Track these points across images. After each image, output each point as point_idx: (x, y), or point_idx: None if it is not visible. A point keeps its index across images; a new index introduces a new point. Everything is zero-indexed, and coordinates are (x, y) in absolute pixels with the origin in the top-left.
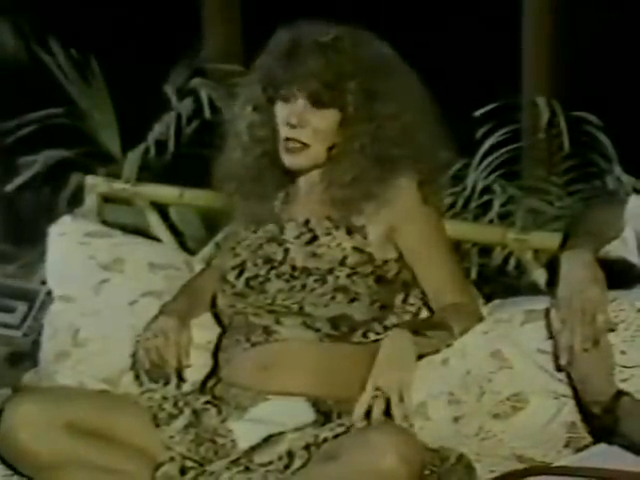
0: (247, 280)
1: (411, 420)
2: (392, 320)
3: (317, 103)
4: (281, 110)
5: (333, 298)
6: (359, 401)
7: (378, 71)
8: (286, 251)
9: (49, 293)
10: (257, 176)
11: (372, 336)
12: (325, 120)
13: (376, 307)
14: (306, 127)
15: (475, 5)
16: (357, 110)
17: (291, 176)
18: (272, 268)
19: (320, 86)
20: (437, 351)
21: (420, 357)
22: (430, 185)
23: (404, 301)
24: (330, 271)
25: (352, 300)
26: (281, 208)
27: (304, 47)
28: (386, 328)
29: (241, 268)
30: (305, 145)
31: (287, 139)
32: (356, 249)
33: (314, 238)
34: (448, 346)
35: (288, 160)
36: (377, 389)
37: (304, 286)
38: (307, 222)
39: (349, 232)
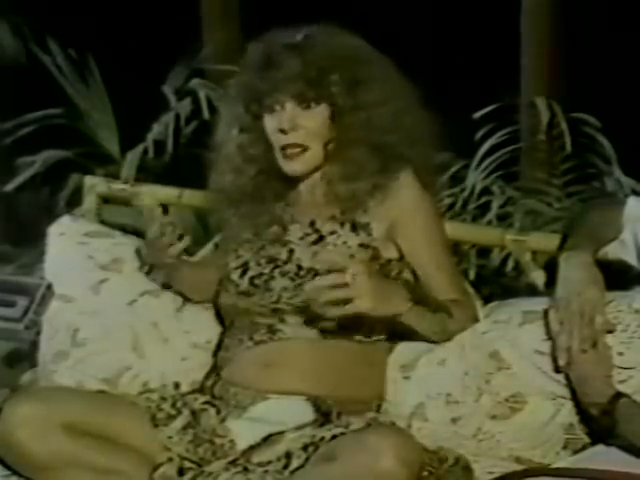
0: (251, 279)
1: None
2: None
3: (304, 103)
4: (270, 122)
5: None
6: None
7: (355, 61)
8: (291, 251)
9: (49, 287)
10: (254, 195)
11: (374, 336)
12: (315, 119)
13: None
14: (299, 130)
15: (475, 5)
16: (344, 101)
17: (291, 183)
18: (276, 267)
19: (304, 85)
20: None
21: (412, 336)
22: (427, 179)
23: None
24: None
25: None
26: (282, 210)
27: (277, 54)
28: (387, 328)
29: (244, 268)
30: (303, 148)
31: (284, 147)
32: (362, 246)
33: (320, 238)
34: (437, 342)
35: (289, 168)
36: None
37: None
38: (313, 223)
39: (354, 229)
